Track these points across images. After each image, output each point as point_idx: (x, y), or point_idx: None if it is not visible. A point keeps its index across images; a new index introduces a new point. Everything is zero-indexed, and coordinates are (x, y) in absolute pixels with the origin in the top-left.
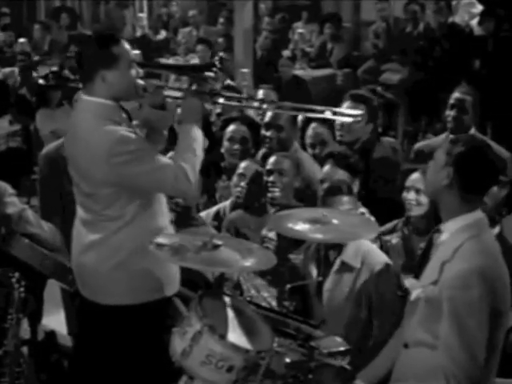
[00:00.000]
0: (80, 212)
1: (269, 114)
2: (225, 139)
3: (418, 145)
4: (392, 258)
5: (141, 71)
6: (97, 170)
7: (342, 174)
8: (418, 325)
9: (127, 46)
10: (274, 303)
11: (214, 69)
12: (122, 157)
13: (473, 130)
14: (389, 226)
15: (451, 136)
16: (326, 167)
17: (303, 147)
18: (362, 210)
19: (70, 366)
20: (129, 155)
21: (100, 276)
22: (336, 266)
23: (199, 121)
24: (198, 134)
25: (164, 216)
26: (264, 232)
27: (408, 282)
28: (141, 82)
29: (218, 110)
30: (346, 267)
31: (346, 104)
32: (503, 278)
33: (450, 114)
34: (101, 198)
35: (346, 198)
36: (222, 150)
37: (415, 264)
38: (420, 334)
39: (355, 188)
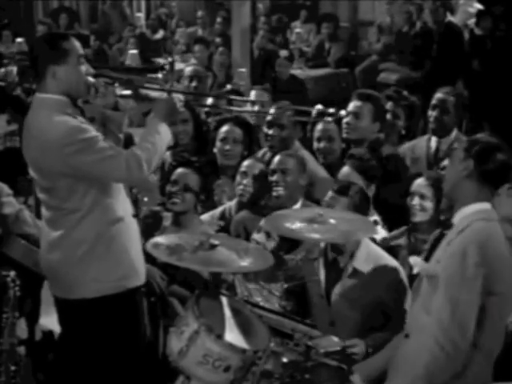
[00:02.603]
0: (43, 211)
1: (271, 113)
2: (218, 139)
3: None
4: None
5: (91, 69)
6: (51, 161)
7: (357, 178)
8: (421, 307)
9: (77, 42)
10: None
11: (164, 71)
12: (74, 146)
13: (455, 131)
14: (397, 232)
15: (433, 137)
16: (345, 168)
17: (310, 142)
18: (375, 217)
19: (55, 363)
20: (80, 144)
21: (66, 271)
22: (348, 272)
23: (169, 120)
24: (163, 130)
25: (123, 207)
26: (253, 235)
27: (412, 259)
28: (91, 79)
29: (207, 109)
30: (357, 273)
31: (353, 102)
32: (505, 261)
33: (431, 114)
34: (58, 192)
35: (346, 200)
36: (215, 150)
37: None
38: (422, 318)
39: (369, 193)
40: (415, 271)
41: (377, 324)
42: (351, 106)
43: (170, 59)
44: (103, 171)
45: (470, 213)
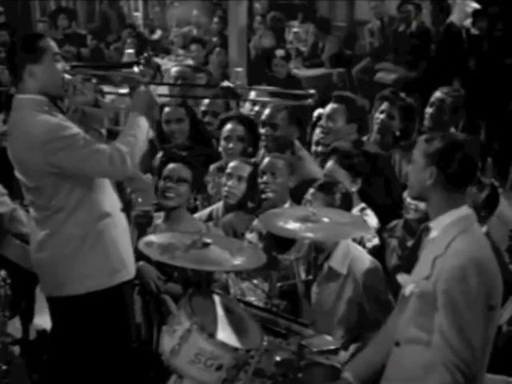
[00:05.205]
0: (31, 211)
1: (265, 113)
2: (221, 138)
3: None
4: (388, 258)
5: (67, 67)
6: (35, 159)
7: (343, 174)
8: (410, 321)
9: (52, 41)
10: None
11: (140, 66)
12: (56, 143)
13: (452, 131)
14: (389, 225)
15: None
16: (329, 164)
17: (309, 145)
18: (362, 204)
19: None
20: (62, 141)
21: (56, 269)
22: (324, 271)
23: (148, 112)
24: (143, 124)
25: (110, 202)
26: (246, 235)
27: (401, 277)
28: (68, 76)
29: (203, 108)
30: (332, 273)
31: (329, 106)
32: (495, 270)
33: (428, 111)
34: (44, 190)
35: (326, 198)
36: (220, 149)
37: (404, 262)
38: (412, 331)
39: (356, 186)
40: (407, 293)
41: (356, 323)
42: (326, 109)
43: (146, 54)
44: (87, 167)
45: (450, 222)
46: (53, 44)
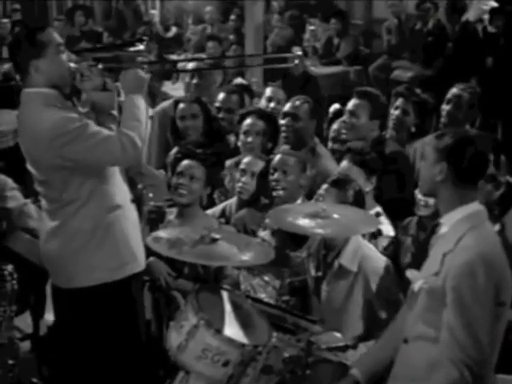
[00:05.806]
0: (43, 203)
1: (288, 104)
2: (241, 133)
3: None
4: (402, 257)
5: (72, 56)
6: (44, 154)
7: (357, 172)
8: (418, 317)
9: (54, 32)
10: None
11: (143, 42)
12: (63, 138)
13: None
14: (403, 223)
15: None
16: (344, 163)
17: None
18: (378, 209)
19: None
20: (69, 135)
21: (64, 261)
22: (334, 268)
23: (141, 90)
24: (140, 102)
25: (121, 194)
26: (259, 233)
27: (410, 273)
28: (73, 65)
29: (218, 104)
30: (343, 270)
31: (351, 101)
32: (503, 266)
33: (445, 108)
34: (54, 184)
35: (339, 193)
36: (239, 144)
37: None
38: (420, 328)
39: (371, 186)
40: (416, 289)
41: (366, 321)
42: (349, 104)
43: (148, 32)
44: (98, 156)
45: (460, 219)
46: (55, 35)
